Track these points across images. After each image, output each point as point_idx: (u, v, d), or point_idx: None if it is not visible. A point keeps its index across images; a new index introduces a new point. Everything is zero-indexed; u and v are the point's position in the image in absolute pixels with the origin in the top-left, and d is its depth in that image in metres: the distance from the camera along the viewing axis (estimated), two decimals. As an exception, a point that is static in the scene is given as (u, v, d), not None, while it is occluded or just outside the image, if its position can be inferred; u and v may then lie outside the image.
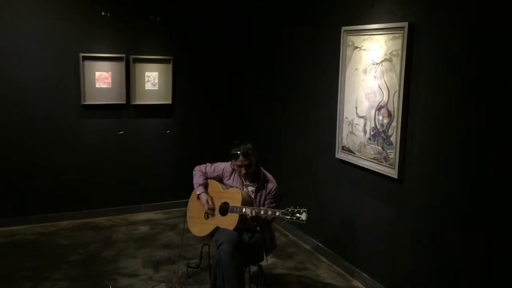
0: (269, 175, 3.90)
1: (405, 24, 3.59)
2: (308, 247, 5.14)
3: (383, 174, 3.94)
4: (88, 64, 5.49)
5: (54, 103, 5.45)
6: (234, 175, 3.91)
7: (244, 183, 3.87)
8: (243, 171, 3.74)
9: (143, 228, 5.58)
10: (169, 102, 6.00)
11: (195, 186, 3.98)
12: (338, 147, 4.52)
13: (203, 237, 3.95)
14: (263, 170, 3.90)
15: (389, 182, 3.91)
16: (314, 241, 5.06)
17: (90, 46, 5.49)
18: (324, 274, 4.53)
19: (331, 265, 4.71)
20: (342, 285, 4.33)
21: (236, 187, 3.85)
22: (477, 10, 3.11)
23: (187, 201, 4.11)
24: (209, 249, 4.38)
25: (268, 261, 4.16)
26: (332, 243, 4.79)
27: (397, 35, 3.70)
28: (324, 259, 4.84)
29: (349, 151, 4.38)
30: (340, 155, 4.50)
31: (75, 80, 5.48)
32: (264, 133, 5.94)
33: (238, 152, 3.70)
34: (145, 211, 6.08)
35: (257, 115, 6.19)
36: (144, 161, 6.02)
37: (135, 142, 5.94)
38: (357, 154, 4.27)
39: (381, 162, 3.97)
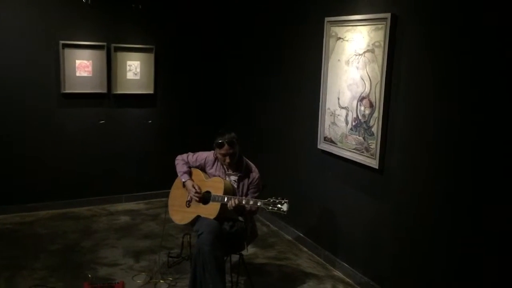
0: (251, 165, 3.89)
1: (388, 15, 3.60)
2: (289, 237, 5.16)
3: (364, 165, 3.96)
4: (68, 52, 5.40)
5: (33, 91, 5.35)
6: (217, 164, 3.90)
7: (227, 172, 3.86)
8: (228, 159, 3.73)
9: (124, 218, 5.54)
10: (151, 91, 5.95)
11: (179, 175, 3.95)
12: (320, 137, 4.54)
13: (184, 226, 3.95)
14: (245, 159, 3.90)
15: (370, 172, 3.94)
16: (295, 231, 5.08)
17: (70, 34, 5.40)
18: (304, 264, 4.56)
19: (312, 255, 4.74)
20: (323, 274, 4.36)
21: (219, 176, 3.84)
22: (459, 1, 3.14)
23: (169, 192, 4.09)
24: (190, 239, 4.38)
25: (248, 250, 4.17)
26: (313, 233, 4.82)
27: (380, 26, 3.71)
28: (305, 249, 4.87)
29: (331, 141, 4.40)
30: (322, 145, 4.52)
31: (55, 68, 5.39)
32: (246, 123, 5.92)
33: (223, 141, 3.68)
34: (126, 201, 6.04)
35: (239, 105, 6.18)
36: (125, 151, 5.96)
37: (116, 132, 5.88)
38: (339, 144, 4.29)
39: (362, 152, 3.99)
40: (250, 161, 3.96)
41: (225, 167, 3.85)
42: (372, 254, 3.99)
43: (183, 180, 3.90)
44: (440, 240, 3.32)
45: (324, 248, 4.62)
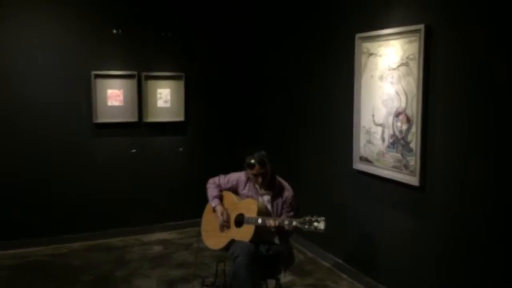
0: (284, 183, 3.77)
1: (421, 26, 3.51)
2: (327, 264, 4.95)
3: (404, 183, 3.79)
4: (100, 82, 5.46)
5: (67, 121, 5.41)
6: (249, 184, 3.79)
7: (259, 191, 3.74)
8: (260, 179, 3.63)
9: (157, 248, 5.44)
10: (182, 119, 5.94)
11: (209, 199, 3.87)
12: (355, 157, 4.39)
13: (218, 251, 3.82)
14: (278, 178, 3.78)
15: (410, 190, 3.76)
16: (334, 257, 4.87)
17: (101, 64, 5.48)
18: (345, 291, 4.35)
19: (352, 281, 4.52)
20: (365, 301, 4.15)
21: (252, 197, 3.72)
22: (494, 11, 3.02)
23: (201, 220, 3.99)
24: (224, 266, 4.23)
25: (286, 276, 4.00)
26: (352, 258, 4.61)
27: (413, 38, 3.61)
28: (344, 275, 4.65)
29: (367, 161, 4.24)
30: (358, 165, 4.36)
31: (87, 98, 5.45)
32: (279, 147, 5.81)
33: (254, 162, 3.59)
34: (158, 231, 5.95)
35: (271, 128, 6.09)
36: (157, 180, 5.92)
37: (148, 161, 5.86)
38: (376, 163, 4.13)
39: (401, 170, 3.83)
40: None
41: (257, 186, 3.74)
42: (416, 277, 3.76)
43: (213, 205, 3.81)
44: (489, 260, 3.09)
45: (364, 274, 4.40)
